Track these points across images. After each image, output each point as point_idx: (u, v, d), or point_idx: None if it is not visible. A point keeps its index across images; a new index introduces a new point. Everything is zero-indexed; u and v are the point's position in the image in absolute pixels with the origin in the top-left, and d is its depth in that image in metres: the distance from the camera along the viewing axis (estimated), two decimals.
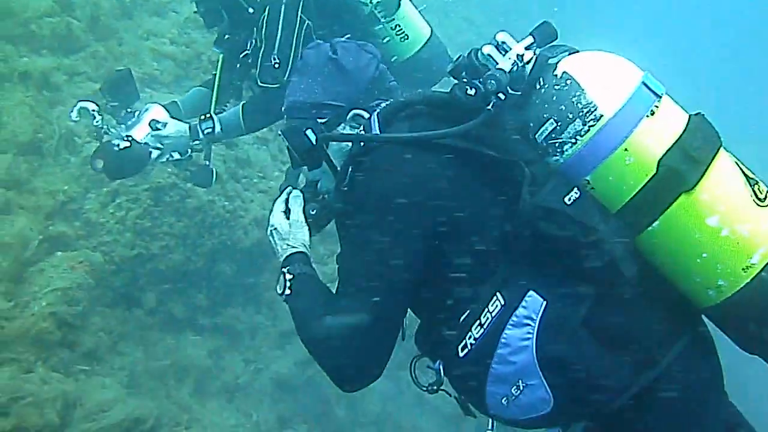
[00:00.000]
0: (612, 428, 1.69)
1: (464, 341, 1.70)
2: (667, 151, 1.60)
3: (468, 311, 1.70)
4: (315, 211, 2.04)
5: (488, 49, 1.74)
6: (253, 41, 3.34)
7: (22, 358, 3.49)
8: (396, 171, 1.72)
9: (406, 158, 1.73)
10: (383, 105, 1.93)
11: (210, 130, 3.30)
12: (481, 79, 1.70)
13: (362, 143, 1.83)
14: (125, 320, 4.01)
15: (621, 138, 1.60)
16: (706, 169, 1.59)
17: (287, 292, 1.91)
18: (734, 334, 1.71)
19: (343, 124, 1.94)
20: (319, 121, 1.93)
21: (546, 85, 1.71)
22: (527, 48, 1.74)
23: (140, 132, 3.27)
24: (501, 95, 1.69)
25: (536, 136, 1.70)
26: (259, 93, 3.35)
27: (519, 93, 1.71)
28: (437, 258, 1.72)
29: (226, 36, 3.47)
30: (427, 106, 1.87)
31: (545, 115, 1.68)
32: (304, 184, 2.15)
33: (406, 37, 3.53)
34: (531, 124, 1.71)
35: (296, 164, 2.08)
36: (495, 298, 1.67)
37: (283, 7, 3.22)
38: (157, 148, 3.30)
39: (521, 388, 1.66)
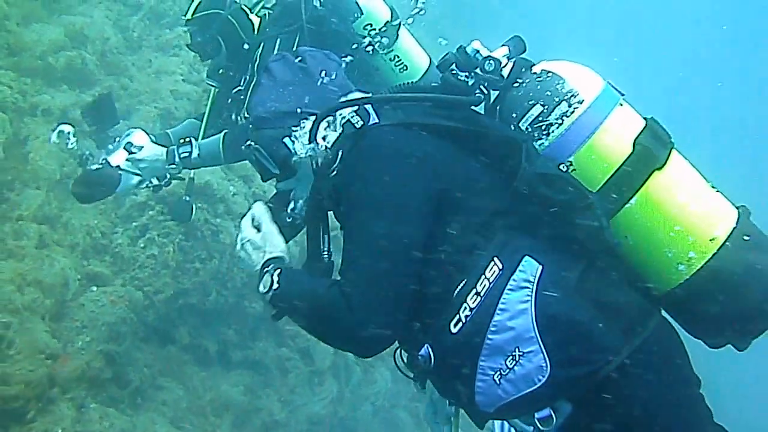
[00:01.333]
0: (596, 411, 1.67)
1: (457, 315, 1.69)
2: (640, 133, 1.77)
3: (463, 282, 1.71)
4: (291, 219, 2.05)
5: (477, 45, 1.88)
6: (247, 77, 3.37)
7: (75, 395, 3.49)
8: (395, 147, 1.77)
9: (403, 135, 1.79)
10: (375, 96, 1.94)
11: (186, 154, 3.18)
12: (471, 71, 1.84)
13: (357, 129, 1.82)
14: (161, 355, 4.05)
15: (601, 119, 1.76)
16: (671, 150, 1.77)
17: (275, 286, 1.83)
18: (700, 316, 1.77)
19: (319, 130, 1.92)
20: (293, 129, 1.94)
21: (527, 80, 1.85)
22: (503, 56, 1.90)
23: (118, 158, 3.18)
24: (484, 89, 1.85)
25: (521, 123, 1.82)
26: (243, 124, 3.30)
27: (498, 90, 1.87)
28: (434, 232, 1.74)
29: (221, 70, 3.47)
30: (416, 95, 1.93)
31: (530, 102, 1.80)
32: (273, 195, 2.14)
33: (405, 68, 3.50)
34: (514, 114, 1.83)
35: (266, 176, 2.03)
36: (492, 263, 1.70)
37: (278, 41, 3.25)
38: (137, 174, 3.19)
39: (517, 357, 1.64)
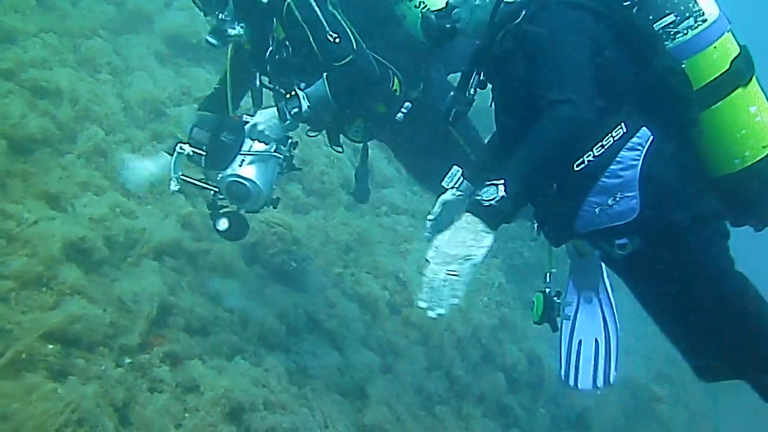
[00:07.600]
0: (659, 246, 2.15)
1: (582, 158, 2.09)
2: (737, 56, 2.19)
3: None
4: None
5: None
6: (274, 35, 3.10)
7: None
8: (565, 23, 2.15)
9: (571, 15, 2.17)
10: None
11: (297, 109, 3.01)
12: None
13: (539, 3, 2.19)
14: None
15: (715, 37, 2.18)
16: (753, 74, 2.21)
17: (501, 191, 1.91)
18: (739, 199, 2.24)
19: None
20: None
21: None
22: None
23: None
24: None
25: (655, 24, 2.20)
26: (336, 70, 2.99)
27: None
28: None
29: (224, 29, 3.12)
30: None
31: (666, 11, 2.19)
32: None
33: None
34: (651, 16, 2.20)
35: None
36: (619, 126, 2.10)
37: None
38: (264, 142, 3.09)
39: (618, 198, 2.09)
